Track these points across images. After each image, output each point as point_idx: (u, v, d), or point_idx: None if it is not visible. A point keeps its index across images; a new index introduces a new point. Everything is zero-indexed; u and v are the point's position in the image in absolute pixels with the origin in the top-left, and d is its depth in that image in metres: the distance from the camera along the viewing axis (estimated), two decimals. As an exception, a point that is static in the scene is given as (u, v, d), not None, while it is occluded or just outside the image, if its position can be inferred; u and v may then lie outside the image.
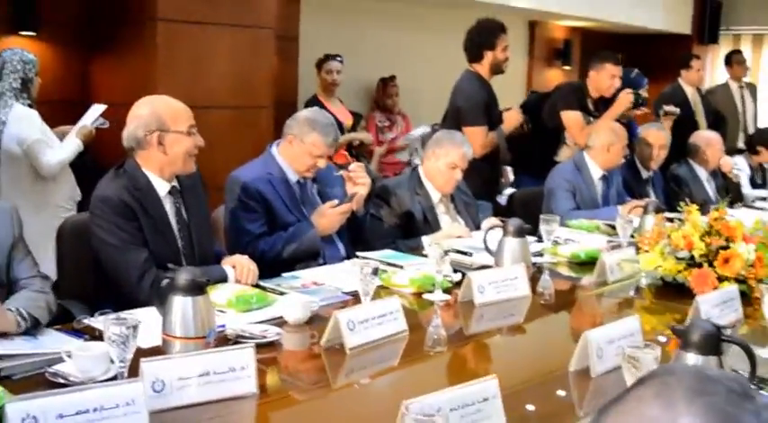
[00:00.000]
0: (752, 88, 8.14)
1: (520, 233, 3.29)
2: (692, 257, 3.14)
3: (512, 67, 5.24)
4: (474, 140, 4.56)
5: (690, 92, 7.36)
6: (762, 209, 5.28)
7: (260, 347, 2.13)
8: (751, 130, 7.60)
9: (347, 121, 6.11)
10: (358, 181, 3.56)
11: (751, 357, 1.90)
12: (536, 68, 8.66)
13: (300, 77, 6.36)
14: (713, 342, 1.87)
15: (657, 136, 5.24)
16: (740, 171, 6.06)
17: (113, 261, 2.77)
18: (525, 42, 8.48)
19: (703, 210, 5.10)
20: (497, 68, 4.97)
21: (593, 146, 4.81)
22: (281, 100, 5.73)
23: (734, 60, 8.10)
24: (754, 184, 6.29)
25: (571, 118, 5.31)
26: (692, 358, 1.88)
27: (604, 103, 5.46)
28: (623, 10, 8.02)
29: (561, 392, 2.18)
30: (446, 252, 2.89)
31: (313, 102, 5.94)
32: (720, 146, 5.68)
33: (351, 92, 6.67)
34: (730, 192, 5.75)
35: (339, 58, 6.16)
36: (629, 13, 8.12)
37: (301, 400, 2.10)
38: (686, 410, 0.87)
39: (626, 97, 5.39)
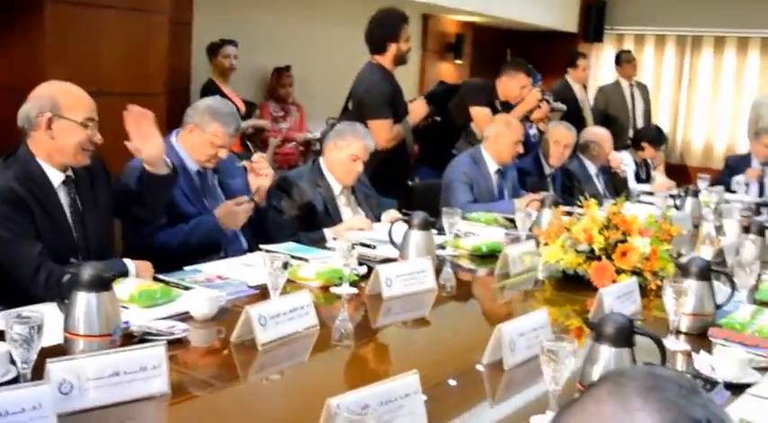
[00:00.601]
0: (642, 87, 8.46)
1: (425, 226, 3.30)
2: (592, 250, 3.21)
3: (406, 60, 5.21)
4: (379, 133, 4.56)
5: (577, 89, 7.63)
6: (649, 203, 5.46)
7: (168, 344, 2.04)
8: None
9: (242, 107, 6.00)
10: (261, 172, 3.49)
11: (662, 349, 1.95)
12: (429, 61, 8.72)
13: (192, 64, 6.20)
14: (626, 334, 1.91)
15: (565, 135, 5.40)
16: (626, 166, 6.26)
17: (4, 255, 2.62)
18: (419, 35, 8.52)
19: (594, 204, 5.27)
20: (401, 60, 4.92)
21: (487, 137, 4.90)
22: (174, 87, 5.57)
23: (623, 59, 8.40)
24: (638, 179, 6.52)
25: (480, 114, 5.38)
26: (605, 351, 1.92)
27: (509, 107, 5.56)
28: (513, 6, 8.17)
29: (475, 385, 2.19)
30: (353, 245, 2.86)
31: (210, 86, 5.80)
32: (610, 142, 5.87)
33: (244, 80, 6.55)
34: (618, 187, 5.95)
35: (235, 43, 6.06)
36: (518, 10, 8.29)
37: (214, 398, 2.03)
38: (641, 405, 0.90)
39: (534, 95, 5.49)
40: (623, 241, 3.21)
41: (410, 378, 1.79)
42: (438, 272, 3.31)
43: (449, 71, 9.02)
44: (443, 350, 2.60)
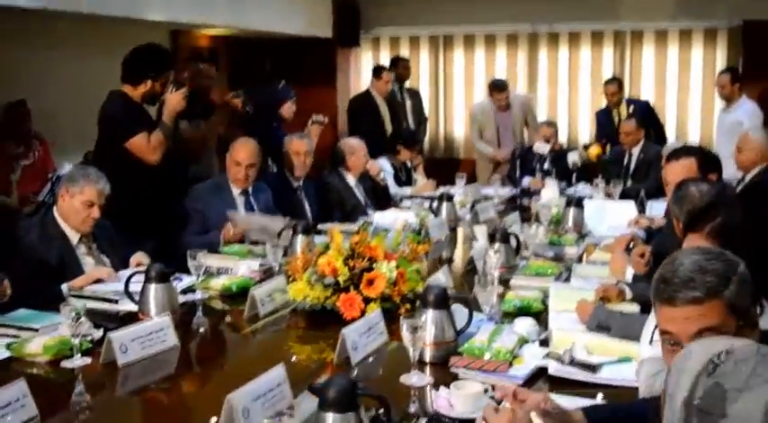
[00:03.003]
0: (411, 92, 8.72)
1: (162, 278, 3.12)
2: (338, 282, 3.17)
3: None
4: (140, 150, 4.52)
5: (380, 101, 7.68)
6: (408, 208, 5.52)
7: None
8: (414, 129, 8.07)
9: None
10: None
11: (386, 409, 1.91)
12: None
13: None
14: (349, 398, 1.86)
15: (300, 144, 5.33)
16: (385, 172, 6.32)
17: None
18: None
19: (353, 216, 5.31)
20: (151, 99, 4.71)
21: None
22: None
23: (400, 65, 8.60)
24: (399, 182, 6.60)
25: None
26: (329, 418, 1.85)
27: None
28: (263, 17, 8.01)
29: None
30: (78, 316, 2.64)
31: None
32: (364, 151, 5.88)
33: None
34: (379, 194, 6.00)
35: None
36: (269, 21, 8.13)
37: None
38: None
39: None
40: (369, 269, 3.19)
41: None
42: (187, 322, 3.17)
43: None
44: (184, 421, 2.45)
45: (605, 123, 7.91)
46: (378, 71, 7.98)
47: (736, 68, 7.82)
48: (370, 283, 3.15)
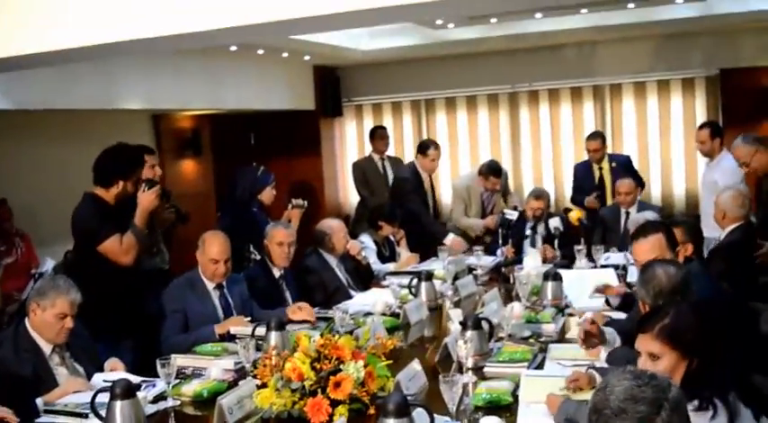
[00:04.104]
0: (392, 160, 8.72)
1: (127, 394, 3.11)
2: (305, 387, 3.15)
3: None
4: (113, 253, 4.54)
5: (425, 177, 7.65)
6: (388, 285, 5.48)
7: None
8: None
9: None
10: None
11: None
12: (167, 162, 8.39)
13: None
14: None
15: (281, 234, 5.26)
16: (367, 249, 6.30)
17: None
18: (151, 137, 8.22)
19: (336, 299, 5.28)
20: (124, 198, 4.70)
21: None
22: None
23: (377, 135, 8.65)
24: (383, 258, 6.55)
25: None
26: None
27: None
28: (244, 97, 8.08)
29: None
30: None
31: None
32: (344, 232, 5.87)
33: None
34: (361, 272, 5.98)
35: None
36: (250, 100, 8.20)
37: None
38: None
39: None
40: (336, 371, 3.18)
41: None
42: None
43: (190, 169, 8.83)
44: None
45: (583, 177, 7.83)
46: (423, 148, 7.62)
47: (716, 122, 7.71)
48: (338, 385, 3.14)
